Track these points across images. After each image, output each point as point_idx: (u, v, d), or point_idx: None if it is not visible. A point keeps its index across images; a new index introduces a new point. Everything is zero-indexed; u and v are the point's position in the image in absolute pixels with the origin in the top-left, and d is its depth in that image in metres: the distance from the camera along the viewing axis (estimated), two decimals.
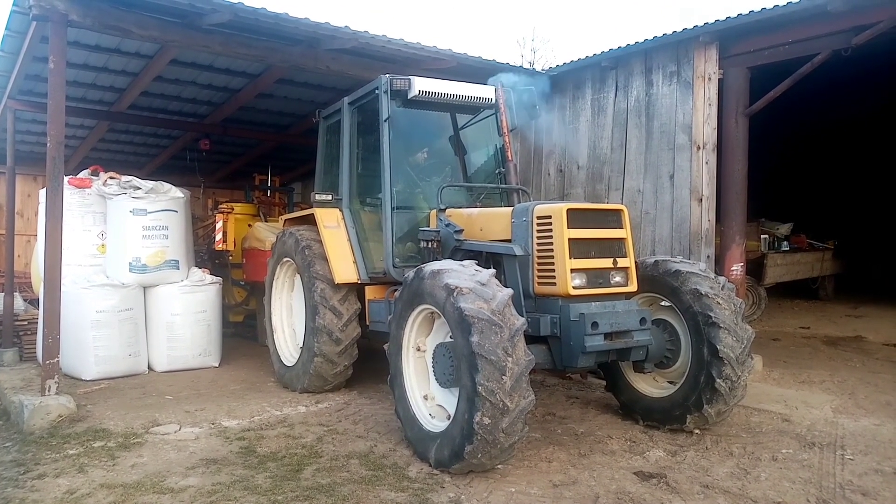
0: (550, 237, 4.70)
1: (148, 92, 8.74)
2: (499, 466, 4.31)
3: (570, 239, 4.61)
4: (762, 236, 11.08)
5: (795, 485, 4.10)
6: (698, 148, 6.91)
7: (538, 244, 4.79)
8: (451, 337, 4.51)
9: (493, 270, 4.40)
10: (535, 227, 4.82)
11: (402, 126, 6.27)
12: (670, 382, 5.38)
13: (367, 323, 6.31)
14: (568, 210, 4.65)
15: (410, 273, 4.66)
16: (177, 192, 8.00)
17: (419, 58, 7.62)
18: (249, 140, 11.31)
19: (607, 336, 4.56)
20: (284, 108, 9.94)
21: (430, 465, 4.36)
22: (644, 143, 7.48)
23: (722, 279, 5.16)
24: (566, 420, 5.58)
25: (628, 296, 4.95)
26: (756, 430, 5.26)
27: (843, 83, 9.48)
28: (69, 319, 6.61)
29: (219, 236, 9.03)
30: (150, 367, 7.73)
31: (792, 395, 6.07)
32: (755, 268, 10.48)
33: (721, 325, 4.82)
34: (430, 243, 5.42)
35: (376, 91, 6.15)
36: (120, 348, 7.37)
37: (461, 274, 4.26)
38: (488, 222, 5.39)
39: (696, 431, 5.11)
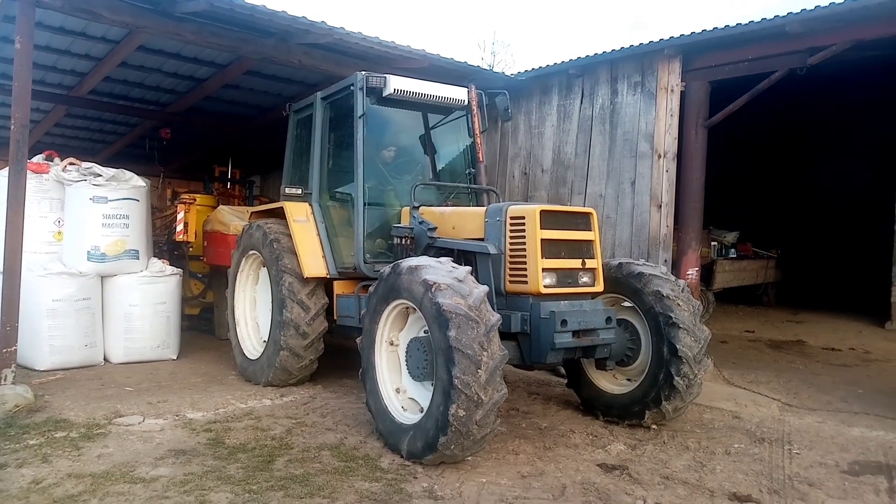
0: (523, 237, 4.85)
1: (110, 77, 8.56)
2: (468, 458, 4.43)
3: (542, 239, 4.77)
4: (712, 243, 11.52)
5: (748, 476, 4.35)
6: (659, 156, 7.19)
7: (511, 243, 4.94)
8: (425, 332, 4.62)
9: (469, 268, 4.52)
10: (509, 227, 4.97)
11: (375, 123, 6.33)
12: (629, 380, 5.61)
13: (335, 318, 6.34)
14: (541, 211, 4.81)
15: (386, 268, 4.74)
16: (138, 181, 7.86)
17: (391, 56, 7.70)
18: (210, 131, 11.16)
19: (575, 334, 4.74)
20: (249, 100, 9.86)
21: (402, 457, 4.45)
22: (608, 149, 7.73)
23: (682, 282, 5.41)
24: (529, 415, 5.74)
25: (594, 296, 5.15)
26: (709, 426, 5.53)
27: (793, 101, 9.98)
28: (24, 308, 6.40)
29: (180, 227, 8.90)
30: (106, 359, 7.56)
31: (741, 394, 6.39)
32: (705, 273, 10.87)
33: (681, 326, 5.06)
34: (403, 240, 5.51)
35: (351, 87, 6.19)
36: (76, 338, 7.20)
37: (438, 270, 4.36)
38: (461, 221, 5.51)
39: (654, 427, 5.34)
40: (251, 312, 7.30)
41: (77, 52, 7.86)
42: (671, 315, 5.09)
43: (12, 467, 4.27)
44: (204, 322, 10.24)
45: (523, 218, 4.88)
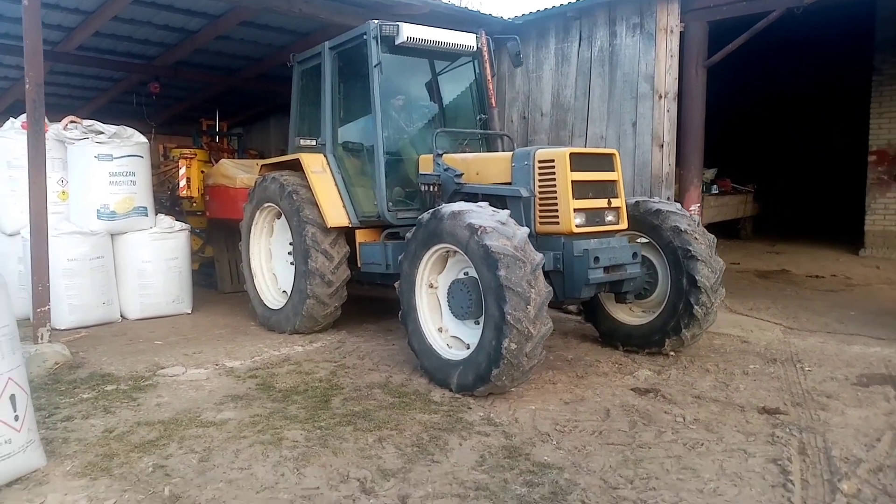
0: (553, 180, 5.05)
1: (98, 32, 8.34)
2: (513, 389, 4.72)
3: (572, 181, 4.98)
4: None
5: (770, 392, 4.74)
6: (660, 97, 7.40)
7: (541, 186, 5.14)
8: (465, 273, 4.86)
9: (508, 211, 4.72)
10: (538, 171, 5.16)
11: (386, 72, 6.37)
12: (644, 311, 5.94)
13: (359, 265, 6.51)
14: (570, 154, 5.01)
15: (425, 215, 4.91)
16: (140, 137, 7.80)
17: (390, 3, 7.66)
18: (195, 83, 10.97)
19: (606, 269, 5.01)
20: (238, 51, 9.71)
21: (452, 390, 4.73)
22: (607, 91, 7.90)
23: (696, 217, 5.72)
24: (553, 349, 6.05)
25: (615, 233, 5.42)
26: (721, 350, 5.92)
27: (780, 47, 10.25)
28: None
29: (182, 182, 8.86)
30: (122, 316, 7.64)
31: (745, 321, 6.81)
32: None
33: (699, 258, 5.37)
34: (430, 187, 5.66)
35: (364, 36, 6.21)
36: (93, 297, 7.25)
37: (482, 214, 4.56)
38: (485, 166, 5.67)
39: (672, 353, 5.71)
40: (267, 264, 7.42)
41: (66, 7, 7.64)
42: (689, 248, 5.39)
43: (79, 419, 4.43)
44: (203, 277, 10.30)
45: (553, 161, 5.07)
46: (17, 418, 3.52)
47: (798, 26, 7.26)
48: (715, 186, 12.95)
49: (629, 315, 6.01)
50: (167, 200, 9.41)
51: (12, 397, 3.52)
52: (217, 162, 10.36)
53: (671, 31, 7.34)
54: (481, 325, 4.66)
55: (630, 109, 7.69)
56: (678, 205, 5.82)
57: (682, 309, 5.46)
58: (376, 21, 6.13)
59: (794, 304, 7.61)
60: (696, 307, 5.37)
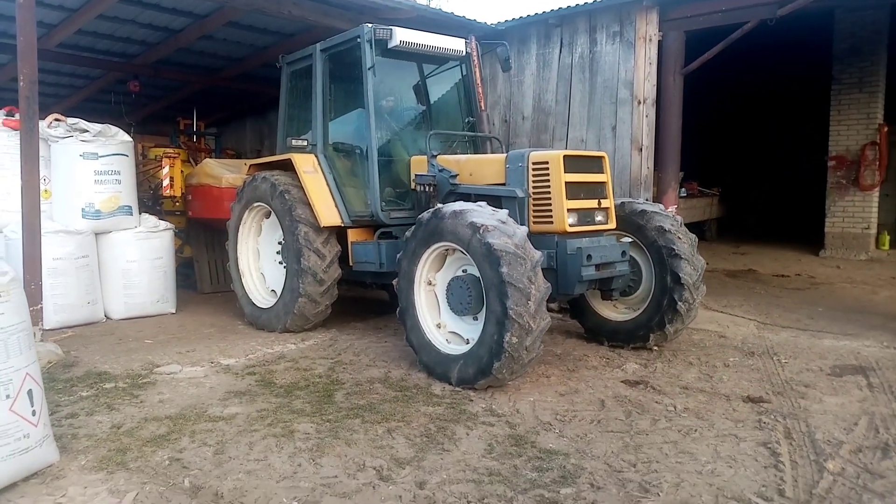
0: (548, 181, 5.26)
1: (81, 30, 8.27)
2: (511, 382, 4.90)
3: (566, 182, 5.19)
4: None
5: (752, 383, 5.02)
6: (639, 102, 7.68)
7: (535, 187, 5.34)
8: (463, 271, 5.02)
9: (506, 210, 4.90)
10: (532, 172, 5.36)
11: (378, 74, 6.49)
12: (628, 308, 6.19)
13: (351, 264, 6.62)
14: (564, 156, 5.22)
15: (425, 214, 5.06)
16: (125, 136, 7.79)
17: (377, 6, 7.79)
18: (174, 82, 10.90)
19: (597, 267, 5.23)
20: (220, 51, 9.70)
21: (451, 384, 4.88)
22: (587, 96, 8.15)
23: (679, 218, 5.98)
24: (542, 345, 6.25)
25: (605, 232, 5.65)
26: (701, 344, 6.21)
27: (744, 55, 10.68)
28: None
29: (166, 181, 8.82)
30: (106, 315, 7.60)
31: (720, 317, 7.13)
32: None
33: (682, 256, 5.64)
34: (426, 187, 5.81)
35: (358, 39, 6.32)
36: (78, 296, 7.21)
37: (482, 213, 4.73)
38: (479, 168, 5.85)
39: (656, 348, 5.96)
40: (255, 263, 7.46)
41: (50, 3, 7.56)
42: (673, 247, 5.65)
43: (83, 416, 4.45)
44: (181, 277, 10.23)
45: (547, 163, 5.28)
46: (34, 413, 3.56)
47: (762, 36, 7.63)
48: (683, 189, 13.37)
49: (614, 311, 6.25)
50: (149, 200, 9.35)
51: (29, 392, 3.56)
52: (196, 161, 10.35)
53: (650, 40, 7.63)
54: (480, 320, 4.84)
55: (610, 114, 7.95)
56: (661, 206, 6.08)
57: (666, 305, 5.71)
58: (370, 25, 6.26)
59: (765, 301, 7.98)
60: (679, 303, 5.63)
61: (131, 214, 7.70)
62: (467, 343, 4.92)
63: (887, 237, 11.81)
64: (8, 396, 3.42)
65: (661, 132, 7.71)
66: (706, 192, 14.35)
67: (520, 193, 5.30)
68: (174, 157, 8.88)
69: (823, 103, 12.06)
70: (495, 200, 5.39)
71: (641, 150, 7.70)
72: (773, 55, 12.40)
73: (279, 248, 7.17)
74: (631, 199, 6.11)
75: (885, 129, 11.29)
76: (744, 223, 16.28)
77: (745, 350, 5.95)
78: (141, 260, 7.68)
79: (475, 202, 5.12)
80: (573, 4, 8.07)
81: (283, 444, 3.90)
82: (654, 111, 7.66)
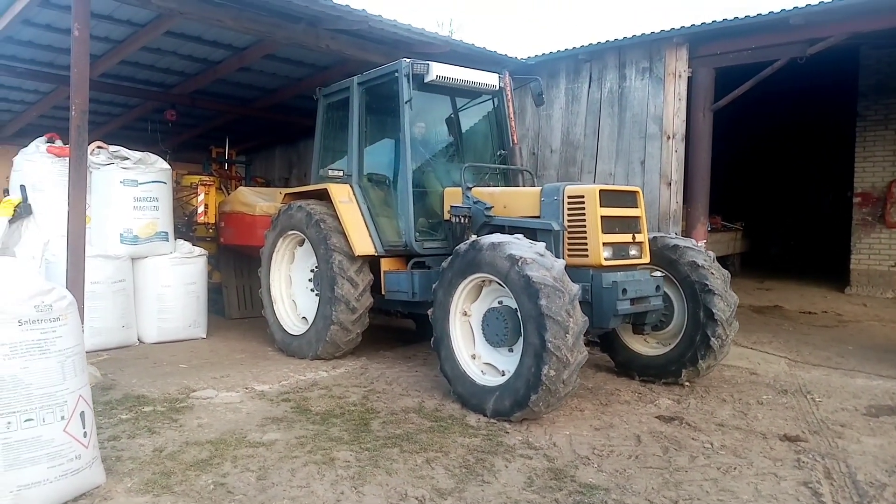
0: (583, 215, 5.33)
1: (123, 60, 8.54)
2: (544, 415, 4.92)
3: (602, 216, 5.26)
4: None
5: (788, 421, 5.00)
6: (668, 137, 7.77)
7: (570, 220, 5.41)
8: (499, 302, 5.08)
9: (544, 243, 4.97)
10: (567, 206, 5.44)
11: (414, 108, 6.65)
12: (659, 343, 6.20)
13: (383, 293, 6.70)
14: (600, 191, 5.30)
15: (463, 245, 5.15)
16: (163, 164, 8.00)
17: (411, 41, 7.99)
18: (209, 112, 11.17)
19: (632, 301, 5.27)
20: (256, 82, 9.95)
21: (486, 415, 4.90)
22: (616, 130, 8.26)
23: (711, 253, 6.01)
24: None
25: (639, 266, 5.69)
26: (732, 381, 6.18)
27: (771, 91, 10.79)
28: None
29: (201, 209, 9.01)
30: (139, 339, 7.73)
31: (750, 354, 7.10)
32: None
33: (715, 292, 5.66)
34: (461, 219, 5.90)
35: (396, 74, 6.49)
36: (114, 320, 7.35)
37: (520, 246, 4.80)
38: (513, 200, 5.94)
39: (688, 384, 5.95)
40: (287, 290, 7.57)
41: (97, 35, 7.82)
42: (706, 283, 5.68)
43: (125, 438, 4.53)
44: (210, 303, 10.37)
45: (583, 197, 5.35)
46: (85, 434, 3.65)
47: (788, 72, 7.72)
48: (707, 223, 13.38)
49: (644, 346, 6.26)
50: (183, 226, 9.54)
51: (82, 414, 3.65)
52: (227, 189, 10.57)
53: (679, 76, 7.75)
54: (515, 352, 4.89)
55: (639, 149, 8.05)
56: (693, 241, 6.12)
57: (699, 341, 5.72)
58: (408, 60, 6.43)
59: (794, 338, 7.94)
60: (712, 339, 5.64)
61: (167, 240, 7.86)
62: (503, 374, 4.96)
63: None
64: (63, 418, 3.51)
65: (689, 167, 7.78)
66: (730, 227, 14.32)
67: (555, 226, 5.37)
68: (209, 185, 9.08)
69: (849, 139, 12.09)
70: (530, 233, 5.45)
71: (671, 184, 7.77)
72: (798, 92, 12.49)
73: (311, 275, 7.28)
74: (663, 234, 6.17)
75: None
76: (767, 258, 16.20)
77: (778, 388, 5.92)
78: (175, 285, 7.82)
79: (509, 234, 5.20)
80: (603, 41, 8.23)
81: (325, 472, 3.94)
82: (682, 146, 7.74)
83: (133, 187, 7.58)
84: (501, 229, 5.71)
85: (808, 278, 13.22)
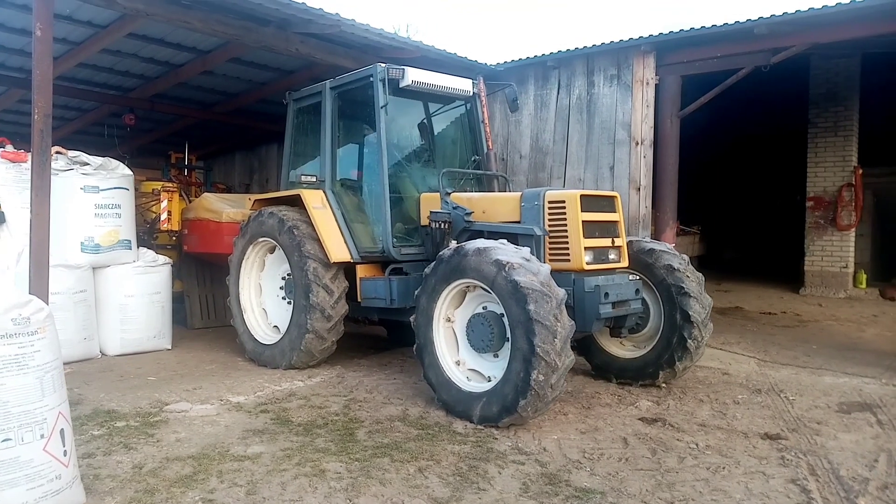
0: (564, 219, 5.36)
1: (81, 63, 8.25)
2: (531, 420, 4.91)
3: (583, 221, 5.30)
4: None
5: (766, 420, 5.11)
6: (637, 143, 7.90)
7: (551, 226, 5.44)
8: (483, 308, 5.06)
9: (528, 248, 4.97)
10: (548, 211, 5.46)
11: (389, 113, 6.59)
12: (635, 346, 6.27)
13: (359, 300, 6.60)
14: (581, 196, 5.34)
15: (446, 251, 5.11)
16: (125, 170, 7.74)
17: (381, 46, 7.94)
18: (169, 116, 10.87)
19: (613, 304, 5.32)
20: (218, 86, 9.73)
21: (473, 422, 4.87)
22: (585, 136, 8.37)
23: (686, 256, 6.12)
24: None
25: (617, 270, 5.75)
26: (707, 382, 6.31)
27: (729, 98, 11.12)
28: None
29: (164, 216, 8.74)
30: (101, 352, 7.44)
31: (720, 355, 7.26)
32: None
33: (691, 295, 5.77)
34: (441, 224, 5.86)
35: (370, 78, 6.43)
36: (75, 332, 7.05)
37: (506, 251, 4.79)
38: (492, 206, 5.94)
39: (664, 385, 6.04)
40: (257, 299, 7.39)
41: (55, 36, 7.50)
42: (682, 285, 5.78)
43: (100, 455, 4.34)
44: (172, 313, 10.07)
45: (564, 202, 5.39)
46: (65, 453, 3.48)
47: (747, 81, 7.94)
48: None
49: (621, 349, 6.33)
50: (144, 234, 9.24)
51: (62, 432, 3.48)
52: (187, 195, 10.28)
53: (647, 83, 7.89)
54: (501, 357, 4.87)
55: (608, 154, 8.16)
56: (668, 244, 6.22)
57: (675, 343, 5.81)
58: (383, 64, 6.37)
59: (760, 338, 8.15)
60: (689, 341, 5.74)
61: (130, 249, 7.60)
62: (489, 380, 4.94)
63: (864, 276, 12.17)
64: (42, 436, 3.34)
65: (658, 172, 7.93)
66: (687, 231, 14.67)
67: (538, 231, 5.39)
68: (172, 192, 8.82)
69: (800, 145, 12.52)
70: (512, 238, 5.45)
71: (640, 189, 7.90)
72: (754, 100, 12.88)
73: (283, 283, 7.14)
74: (639, 238, 6.25)
75: (860, 171, 11.74)
76: (722, 261, 16.65)
77: (751, 387, 6.06)
78: (139, 295, 7.56)
79: (488, 239, 5.19)
80: (571, 48, 8.33)
81: (317, 484, 3.84)
82: (651, 152, 7.88)
83: (94, 194, 7.30)
84: (481, 235, 5.70)
85: (762, 280, 13.64)
